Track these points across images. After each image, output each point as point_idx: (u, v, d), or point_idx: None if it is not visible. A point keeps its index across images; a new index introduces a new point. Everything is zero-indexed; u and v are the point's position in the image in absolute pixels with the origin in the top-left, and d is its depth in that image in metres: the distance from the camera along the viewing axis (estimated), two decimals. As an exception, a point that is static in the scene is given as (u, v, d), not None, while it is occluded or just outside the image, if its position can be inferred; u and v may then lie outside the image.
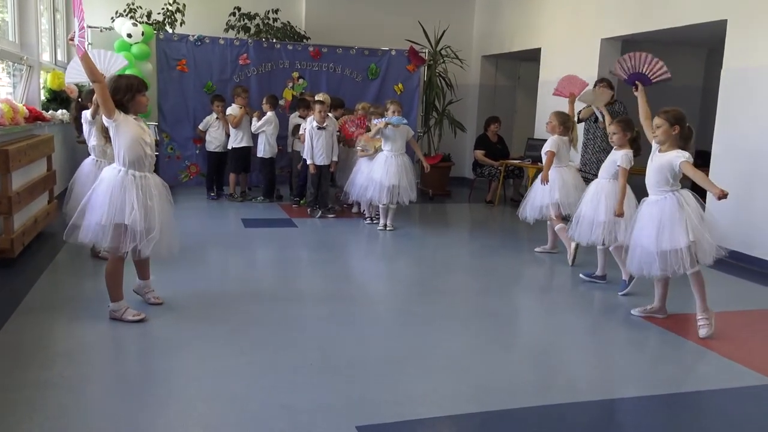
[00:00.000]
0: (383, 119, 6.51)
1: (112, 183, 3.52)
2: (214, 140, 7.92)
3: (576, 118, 6.91)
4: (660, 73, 4.47)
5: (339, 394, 2.88)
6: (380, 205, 6.60)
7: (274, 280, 4.91)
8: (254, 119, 7.80)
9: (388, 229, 6.58)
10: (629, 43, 7.84)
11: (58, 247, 5.30)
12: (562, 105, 6.16)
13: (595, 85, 7.04)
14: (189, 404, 2.73)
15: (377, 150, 6.61)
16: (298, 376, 3.04)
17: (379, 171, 6.47)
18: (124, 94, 3.54)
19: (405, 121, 6.68)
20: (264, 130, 7.77)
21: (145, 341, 3.53)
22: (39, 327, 3.52)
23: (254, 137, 7.96)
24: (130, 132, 3.53)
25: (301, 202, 7.75)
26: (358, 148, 6.87)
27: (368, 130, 6.86)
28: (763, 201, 5.55)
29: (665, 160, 3.86)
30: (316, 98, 7.49)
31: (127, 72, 7.76)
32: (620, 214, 4.46)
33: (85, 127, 4.99)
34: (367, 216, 7.02)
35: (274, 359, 3.23)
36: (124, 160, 3.55)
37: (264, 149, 7.83)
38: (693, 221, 3.79)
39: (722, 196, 3.59)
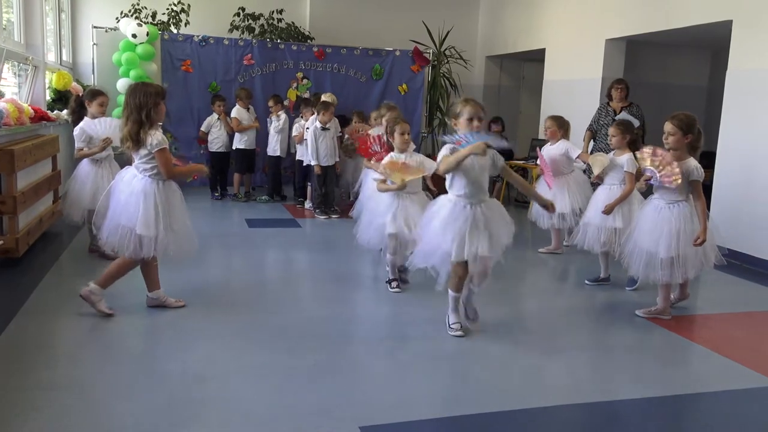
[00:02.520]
0: (465, 137, 3.40)
1: (160, 195, 3.61)
2: (216, 141, 7.93)
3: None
4: (671, 178, 3.85)
5: (342, 394, 2.88)
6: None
7: (277, 280, 4.91)
8: (273, 121, 7.83)
9: (460, 328, 3.70)
10: (634, 44, 7.83)
11: (62, 247, 5.32)
12: (561, 110, 6.12)
13: (611, 87, 6.91)
14: (192, 405, 2.73)
15: (403, 185, 4.15)
16: (301, 375, 3.04)
17: (441, 230, 3.50)
18: (154, 99, 3.57)
19: (505, 142, 3.90)
20: (284, 128, 7.83)
21: (148, 342, 3.54)
22: (43, 327, 3.53)
23: (259, 138, 7.99)
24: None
25: (304, 202, 7.76)
26: (374, 177, 4.59)
27: (389, 148, 4.57)
28: (767, 202, 5.53)
29: (683, 168, 3.84)
30: (322, 99, 7.50)
31: (132, 72, 7.82)
32: (607, 212, 4.48)
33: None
34: (392, 280, 4.53)
35: (277, 359, 3.23)
36: (157, 171, 3.64)
37: (277, 147, 7.86)
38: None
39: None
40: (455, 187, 3.49)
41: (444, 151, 3.45)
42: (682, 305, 4.36)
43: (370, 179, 4.98)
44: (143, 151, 3.59)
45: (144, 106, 3.55)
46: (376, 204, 4.44)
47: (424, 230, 3.60)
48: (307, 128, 7.21)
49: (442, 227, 3.48)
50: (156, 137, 3.57)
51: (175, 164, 3.75)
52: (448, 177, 3.51)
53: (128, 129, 3.58)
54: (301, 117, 7.68)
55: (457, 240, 3.43)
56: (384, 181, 4.31)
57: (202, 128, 8.00)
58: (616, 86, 6.76)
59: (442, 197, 3.58)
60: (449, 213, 3.48)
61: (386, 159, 4.39)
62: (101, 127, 4.86)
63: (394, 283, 4.50)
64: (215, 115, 7.89)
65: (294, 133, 7.69)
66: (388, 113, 5.30)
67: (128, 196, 3.62)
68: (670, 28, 6.70)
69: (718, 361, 3.52)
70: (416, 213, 4.10)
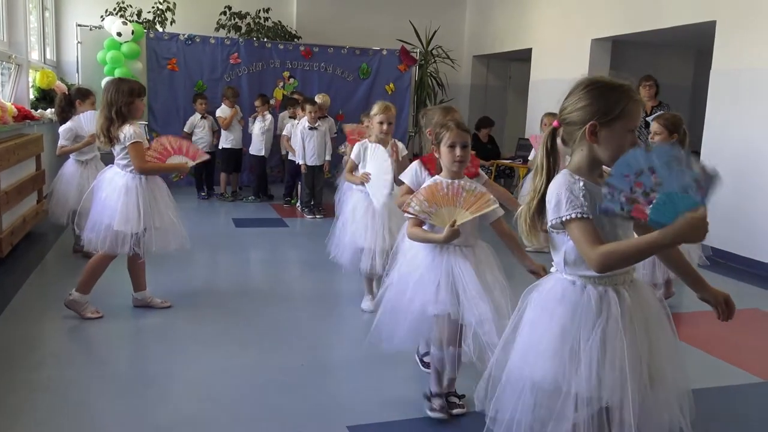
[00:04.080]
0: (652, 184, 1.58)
1: (140, 191, 3.58)
2: (200, 141, 7.86)
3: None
4: None
5: (330, 394, 2.88)
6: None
7: (264, 281, 4.89)
8: (258, 121, 7.80)
9: None
10: (619, 44, 7.88)
11: (47, 248, 5.27)
12: (548, 110, 6.13)
13: (638, 85, 6.35)
14: (179, 405, 2.72)
15: (453, 233, 2.48)
16: (289, 376, 3.03)
17: (557, 344, 1.74)
18: (126, 97, 3.55)
19: None
20: (269, 129, 7.83)
21: (135, 342, 3.52)
22: (28, 328, 3.50)
23: (244, 137, 7.96)
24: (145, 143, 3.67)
25: (292, 201, 7.75)
26: (407, 213, 2.61)
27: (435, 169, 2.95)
28: (750, 202, 5.59)
29: None
30: (315, 99, 7.50)
31: (117, 71, 7.77)
32: None
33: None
34: (435, 395, 2.72)
35: (265, 360, 3.22)
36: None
37: (262, 147, 7.84)
38: None
39: None
40: (581, 261, 1.76)
41: (571, 211, 1.69)
42: (667, 303, 4.39)
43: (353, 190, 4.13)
44: (118, 147, 3.58)
45: (114, 103, 3.53)
46: (408, 267, 2.65)
47: (521, 340, 1.84)
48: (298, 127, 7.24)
49: (561, 339, 1.74)
50: (128, 131, 3.54)
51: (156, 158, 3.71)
52: (562, 240, 1.83)
53: (100, 124, 3.59)
54: (291, 117, 7.68)
55: (609, 370, 1.70)
56: (419, 223, 2.60)
57: (185, 129, 7.91)
58: (645, 84, 6.18)
59: (553, 281, 1.89)
60: (573, 313, 1.76)
61: (425, 185, 2.67)
62: (86, 122, 4.84)
63: (436, 402, 2.68)
64: (198, 115, 7.84)
65: (284, 132, 7.68)
66: (436, 115, 3.05)
67: (110, 192, 3.60)
68: (655, 29, 6.76)
69: (704, 358, 3.55)
70: (472, 279, 2.54)
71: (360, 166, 3.94)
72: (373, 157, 3.84)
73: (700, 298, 1.91)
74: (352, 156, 3.98)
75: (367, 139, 4.02)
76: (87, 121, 4.85)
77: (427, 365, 2.90)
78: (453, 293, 2.50)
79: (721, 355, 3.57)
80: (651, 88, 6.11)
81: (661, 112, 5.89)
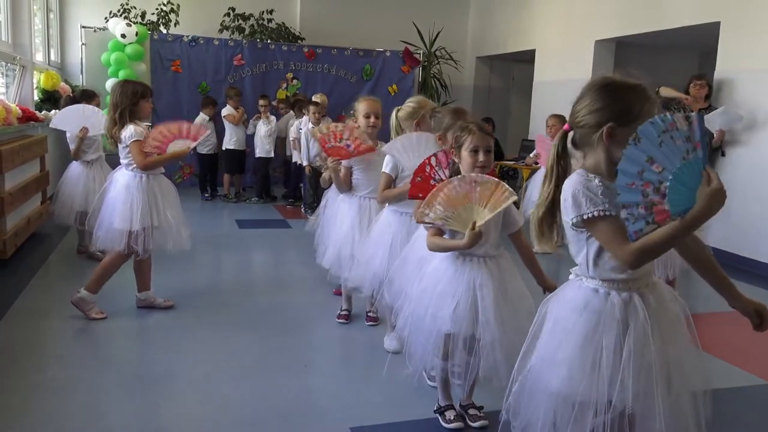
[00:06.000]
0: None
1: (138, 189, 3.61)
2: (204, 143, 7.87)
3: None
4: None
5: (332, 395, 2.88)
6: None
7: (267, 282, 4.90)
8: (262, 123, 7.81)
9: None
10: (623, 45, 7.87)
11: (51, 249, 5.28)
12: (551, 111, 6.13)
13: (690, 82, 5.91)
14: (182, 407, 2.72)
15: (476, 236, 2.29)
16: (291, 377, 3.03)
17: (578, 353, 1.74)
18: (130, 99, 3.59)
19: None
20: (274, 130, 7.84)
21: (139, 343, 3.53)
22: (31, 329, 3.50)
23: (248, 138, 7.97)
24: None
25: (296, 203, 7.76)
26: (425, 223, 2.43)
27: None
28: (754, 203, 5.58)
29: None
30: (313, 99, 7.50)
31: (121, 72, 7.80)
32: None
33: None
34: (446, 407, 2.66)
35: (267, 361, 3.22)
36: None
37: (271, 149, 7.86)
38: None
39: None
40: (606, 262, 1.72)
41: (593, 209, 1.65)
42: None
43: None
44: (121, 146, 3.63)
45: (119, 105, 3.59)
46: (428, 281, 2.46)
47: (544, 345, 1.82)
48: (300, 129, 7.22)
49: (582, 348, 1.72)
50: (129, 130, 3.57)
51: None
52: (584, 241, 1.74)
53: (106, 126, 3.68)
54: (296, 118, 7.70)
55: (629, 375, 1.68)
56: (439, 232, 2.42)
57: None
58: (696, 82, 5.57)
59: (574, 289, 1.79)
60: (596, 323, 1.72)
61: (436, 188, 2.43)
62: (63, 121, 4.84)
63: (449, 413, 2.61)
64: (206, 117, 7.84)
65: (292, 135, 7.68)
66: (447, 117, 2.93)
67: (115, 192, 3.66)
68: (659, 30, 6.75)
69: (707, 360, 3.54)
70: (491, 300, 2.37)
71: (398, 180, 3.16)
72: (418, 150, 3.02)
73: (731, 306, 1.88)
74: (387, 170, 3.15)
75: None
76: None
77: (433, 378, 2.84)
78: (472, 311, 2.35)
79: (724, 356, 3.56)
80: (702, 88, 5.54)
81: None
